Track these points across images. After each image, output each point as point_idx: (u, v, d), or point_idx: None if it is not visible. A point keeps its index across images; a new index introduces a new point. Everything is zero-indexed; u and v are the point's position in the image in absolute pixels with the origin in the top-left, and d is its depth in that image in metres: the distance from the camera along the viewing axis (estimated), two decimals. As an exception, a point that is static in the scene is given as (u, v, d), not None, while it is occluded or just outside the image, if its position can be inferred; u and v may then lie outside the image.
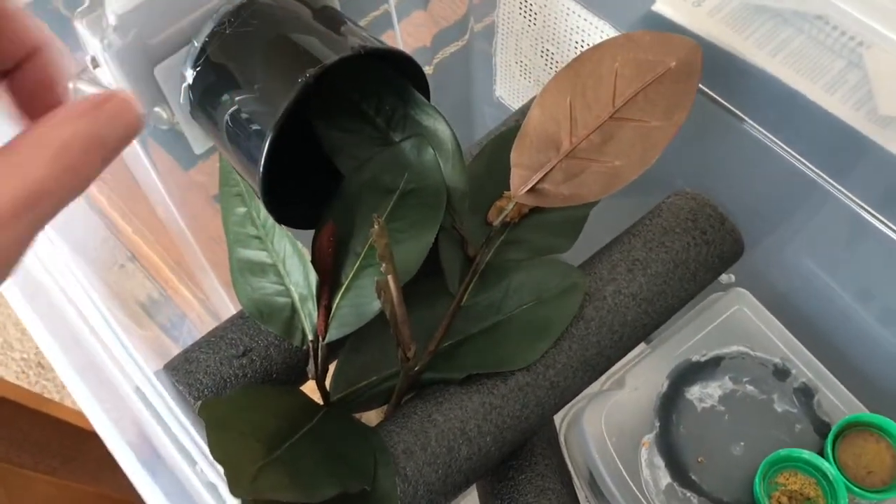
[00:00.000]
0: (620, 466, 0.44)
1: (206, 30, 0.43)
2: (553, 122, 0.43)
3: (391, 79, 0.46)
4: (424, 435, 0.42)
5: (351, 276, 0.44)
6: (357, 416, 0.49)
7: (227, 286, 0.63)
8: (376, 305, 0.44)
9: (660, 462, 0.44)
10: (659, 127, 0.41)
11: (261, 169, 0.41)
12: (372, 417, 0.51)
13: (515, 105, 0.61)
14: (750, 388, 0.46)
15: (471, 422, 0.42)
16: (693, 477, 0.44)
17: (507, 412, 0.43)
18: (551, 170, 0.43)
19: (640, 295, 0.46)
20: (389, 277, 0.39)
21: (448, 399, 0.43)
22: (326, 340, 0.44)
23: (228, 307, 0.61)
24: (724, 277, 0.51)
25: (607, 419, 0.45)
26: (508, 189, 0.49)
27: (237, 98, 0.43)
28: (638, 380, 0.47)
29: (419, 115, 0.46)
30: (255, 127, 0.42)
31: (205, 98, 0.44)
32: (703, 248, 0.47)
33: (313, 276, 0.44)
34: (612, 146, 0.42)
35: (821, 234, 0.50)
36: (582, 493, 0.47)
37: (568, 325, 0.44)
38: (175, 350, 0.48)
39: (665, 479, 0.44)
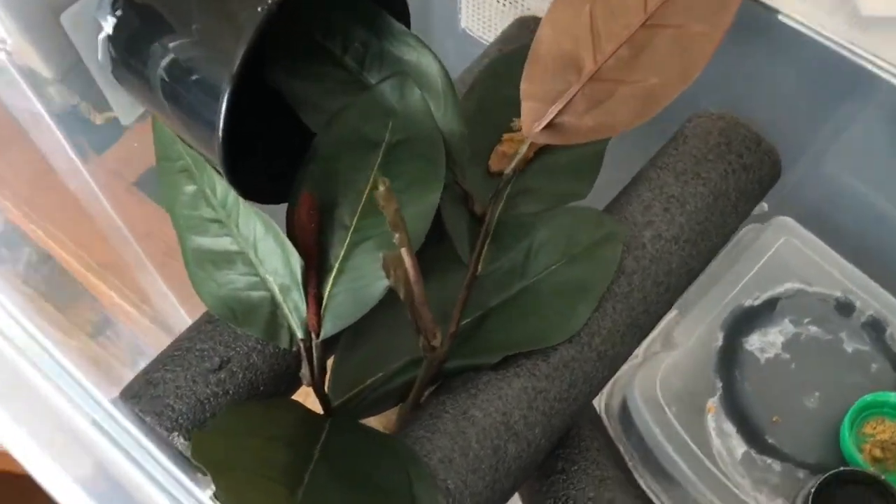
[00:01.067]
0: (687, 439, 0.37)
1: (122, -40, 0.33)
2: (570, 39, 0.35)
3: (358, 6, 0.37)
4: (463, 437, 0.34)
5: (342, 255, 0.36)
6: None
7: (172, 285, 0.53)
8: (379, 287, 0.36)
9: (730, 428, 0.38)
10: (702, 32, 0.34)
11: (220, 132, 0.32)
12: (375, 423, 0.42)
13: (487, 37, 0.53)
14: (813, 328, 0.40)
15: (515, 413, 0.35)
16: (770, 440, 0.38)
17: (554, 395, 0.35)
18: (572, 98, 0.36)
19: (683, 237, 0.39)
20: (403, 250, 0.31)
21: (483, 389, 0.35)
22: (322, 337, 0.36)
23: (177, 309, 0.51)
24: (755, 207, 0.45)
25: (663, 386, 0.38)
26: (508, 131, 0.41)
27: (171, 44, 0.34)
28: (687, 337, 0.40)
29: (399, 49, 0.38)
30: (197, 76, 0.33)
31: (130, 50, 0.35)
32: (742, 174, 0.41)
33: (296, 260, 0.35)
34: (646, 60, 0.35)
35: (861, 144, 0.44)
36: (636, 473, 0.40)
37: (609, 283, 0.37)
38: (121, 370, 0.38)
39: (740, 447, 0.37)
